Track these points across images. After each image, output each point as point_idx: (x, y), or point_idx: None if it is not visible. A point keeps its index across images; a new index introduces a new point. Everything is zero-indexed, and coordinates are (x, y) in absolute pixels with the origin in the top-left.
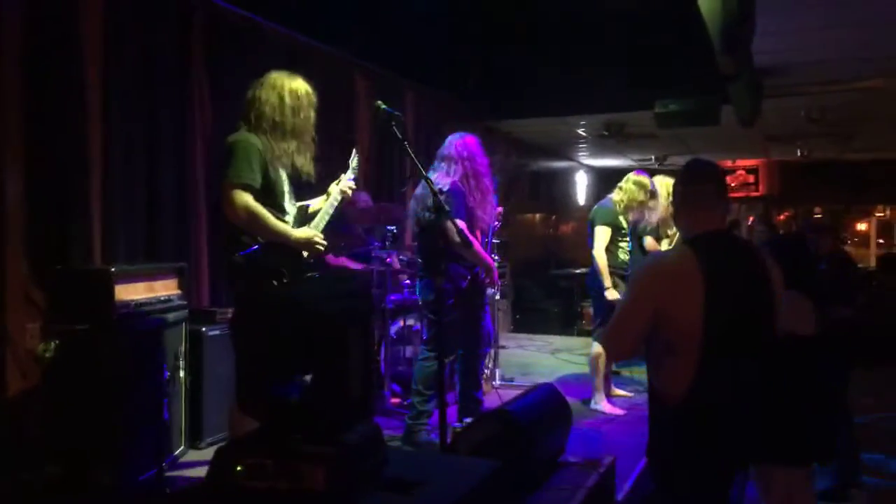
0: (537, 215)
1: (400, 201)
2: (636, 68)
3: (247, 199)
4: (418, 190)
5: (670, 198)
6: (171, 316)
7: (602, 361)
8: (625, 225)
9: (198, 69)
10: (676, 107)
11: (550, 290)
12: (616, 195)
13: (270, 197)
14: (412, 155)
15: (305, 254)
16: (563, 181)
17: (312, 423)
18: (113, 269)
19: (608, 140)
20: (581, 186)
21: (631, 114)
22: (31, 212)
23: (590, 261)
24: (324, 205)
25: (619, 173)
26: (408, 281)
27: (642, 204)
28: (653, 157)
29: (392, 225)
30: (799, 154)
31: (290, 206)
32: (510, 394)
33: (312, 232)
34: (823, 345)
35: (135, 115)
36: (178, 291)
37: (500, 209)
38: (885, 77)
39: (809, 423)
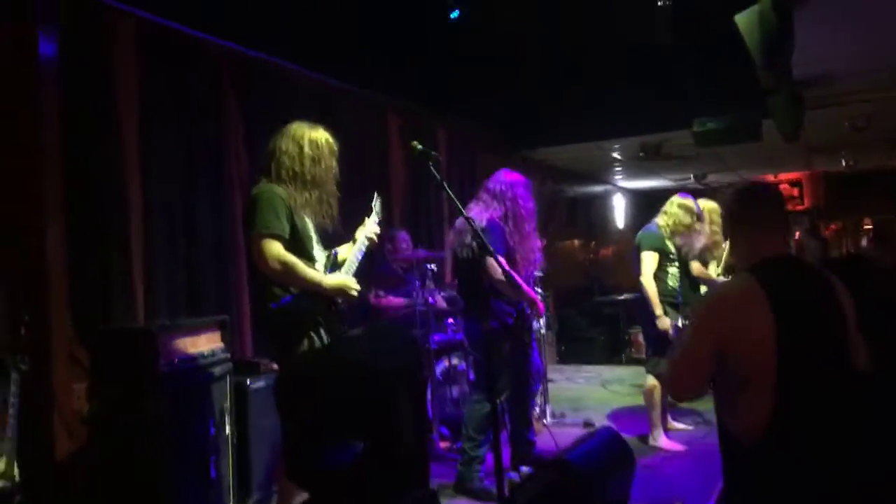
0: (576, 242)
1: (439, 242)
2: (670, 88)
3: (278, 248)
4: (457, 225)
5: (713, 222)
6: (215, 370)
7: (658, 394)
8: (672, 249)
9: (232, 119)
10: (715, 125)
11: (595, 319)
12: (661, 219)
13: (299, 245)
14: (450, 193)
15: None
16: (600, 205)
17: (364, 492)
18: (156, 327)
19: (644, 162)
20: (619, 210)
21: (667, 134)
22: (74, 271)
23: (634, 285)
24: (351, 251)
25: (656, 194)
26: (451, 320)
27: (689, 227)
28: (692, 175)
29: (431, 263)
30: (844, 164)
31: (320, 254)
32: (563, 432)
33: (345, 277)
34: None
35: (172, 168)
36: (222, 345)
37: (542, 242)
38: None
39: None
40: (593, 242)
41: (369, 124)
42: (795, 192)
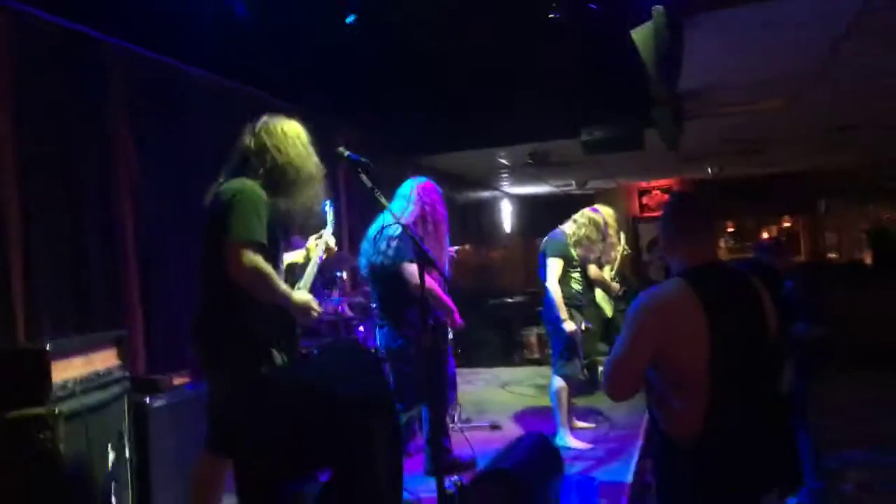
0: (467, 246)
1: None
2: (559, 97)
3: (257, 258)
4: (370, 232)
5: (609, 226)
6: (112, 390)
7: (565, 395)
8: (575, 256)
9: (122, 123)
10: (602, 134)
11: (488, 321)
12: (569, 228)
13: (270, 254)
14: (383, 201)
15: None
16: (489, 210)
17: None
18: (48, 347)
19: (530, 168)
20: (506, 214)
21: (555, 142)
22: None
23: (523, 288)
24: (301, 260)
25: (541, 200)
26: (361, 328)
27: (593, 242)
28: (573, 182)
29: (341, 271)
30: (710, 171)
31: (283, 263)
32: (472, 436)
33: (308, 297)
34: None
35: (54, 174)
36: (119, 362)
37: (452, 251)
38: (783, 98)
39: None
40: (484, 247)
41: None
42: (667, 197)
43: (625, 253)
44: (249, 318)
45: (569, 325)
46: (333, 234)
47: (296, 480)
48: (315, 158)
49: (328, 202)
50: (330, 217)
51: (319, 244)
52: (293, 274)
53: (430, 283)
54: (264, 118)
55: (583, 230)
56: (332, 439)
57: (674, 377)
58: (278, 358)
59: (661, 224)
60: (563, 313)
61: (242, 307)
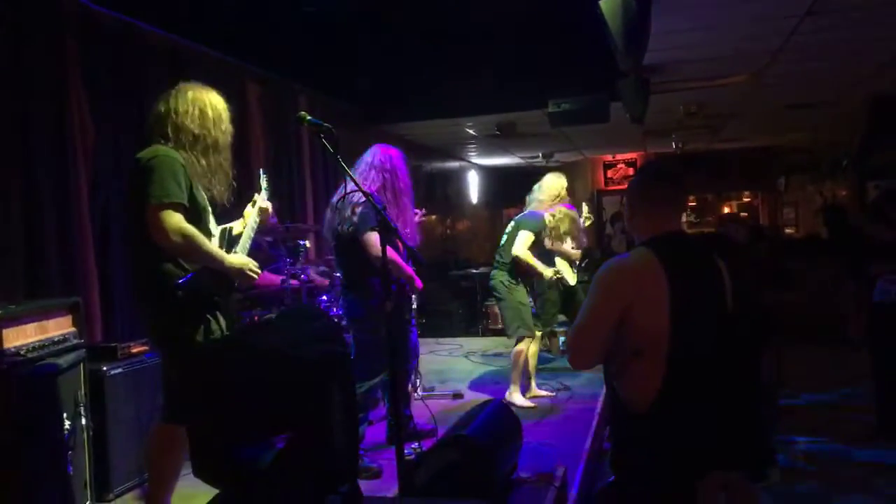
0: (434, 217)
1: (303, 216)
2: (526, 69)
3: (179, 219)
4: (334, 199)
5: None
6: (67, 358)
7: (522, 357)
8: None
9: (74, 80)
10: (569, 106)
11: (453, 292)
12: (548, 218)
13: (195, 218)
14: (346, 168)
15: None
16: (456, 181)
17: (287, 492)
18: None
19: (497, 140)
20: (473, 185)
21: (522, 113)
22: None
23: (488, 259)
24: (243, 228)
25: (507, 171)
26: (325, 297)
27: (561, 234)
28: (540, 154)
29: (304, 239)
30: (674, 146)
31: (215, 229)
32: (434, 403)
33: (246, 259)
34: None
35: (5, 135)
36: (73, 329)
37: (420, 214)
38: (746, 74)
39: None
40: (449, 218)
41: (226, 90)
42: (631, 171)
43: (588, 222)
44: (183, 283)
45: (546, 271)
46: (271, 200)
47: (251, 446)
48: (227, 127)
49: (261, 170)
50: (265, 184)
51: (254, 210)
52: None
53: (391, 252)
54: (179, 85)
55: (558, 223)
56: (287, 403)
57: (635, 342)
58: (214, 323)
59: (627, 193)
60: (540, 267)
61: (171, 273)
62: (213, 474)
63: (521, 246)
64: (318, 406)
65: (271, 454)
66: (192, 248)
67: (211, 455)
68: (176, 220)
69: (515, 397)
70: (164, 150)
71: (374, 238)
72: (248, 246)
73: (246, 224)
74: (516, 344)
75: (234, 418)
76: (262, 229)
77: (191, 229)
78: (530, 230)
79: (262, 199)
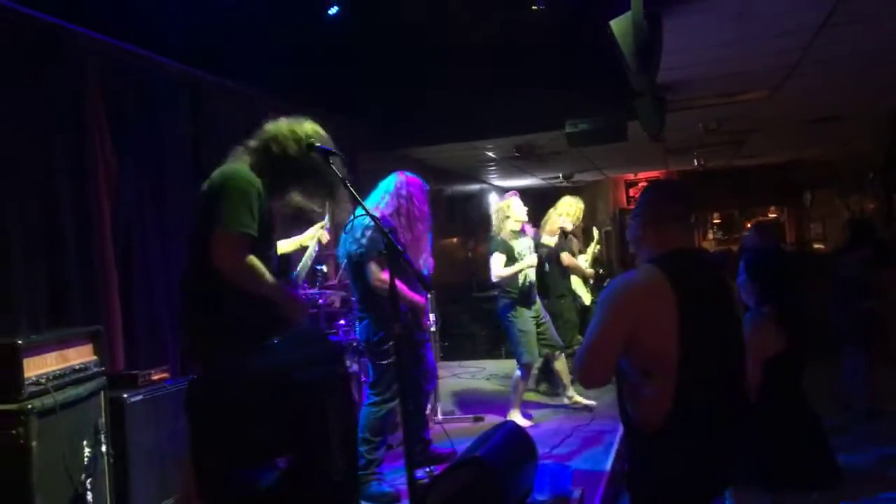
0: (455, 239)
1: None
2: (543, 89)
3: (243, 250)
4: (347, 224)
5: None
6: (87, 386)
7: (522, 385)
8: (518, 250)
9: (97, 116)
10: (586, 125)
11: (475, 314)
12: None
13: (261, 247)
14: (356, 194)
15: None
16: (476, 203)
17: None
18: (19, 341)
19: (517, 161)
20: (494, 207)
21: (540, 134)
22: None
23: None
24: (293, 248)
25: (529, 192)
26: (343, 321)
27: (555, 228)
28: (560, 174)
29: (321, 264)
30: (696, 163)
31: (276, 253)
32: (455, 427)
33: (301, 302)
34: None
35: (28, 165)
36: (94, 357)
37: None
38: (763, 90)
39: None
40: (471, 240)
41: (245, 120)
42: None
43: (598, 247)
44: (231, 309)
45: (531, 259)
46: (328, 229)
47: (253, 468)
48: (316, 154)
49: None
50: (328, 212)
51: (315, 236)
52: (288, 263)
53: (399, 284)
54: (280, 119)
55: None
56: (288, 426)
57: (644, 363)
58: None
59: (635, 210)
60: (524, 264)
61: (226, 297)
62: (217, 497)
63: (497, 268)
64: (317, 429)
65: (272, 477)
66: (254, 282)
67: (214, 477)
68: (243, 251)
69: (517, 419)
70: (243, 171)
71: (374, 267)
72: (305, 272)
73: (304, 246)
74: (518, 368)
75: (235, 440)
76: (319, 256)
77: (258, 264)
78: (496, 251)
79: (323, 230)
